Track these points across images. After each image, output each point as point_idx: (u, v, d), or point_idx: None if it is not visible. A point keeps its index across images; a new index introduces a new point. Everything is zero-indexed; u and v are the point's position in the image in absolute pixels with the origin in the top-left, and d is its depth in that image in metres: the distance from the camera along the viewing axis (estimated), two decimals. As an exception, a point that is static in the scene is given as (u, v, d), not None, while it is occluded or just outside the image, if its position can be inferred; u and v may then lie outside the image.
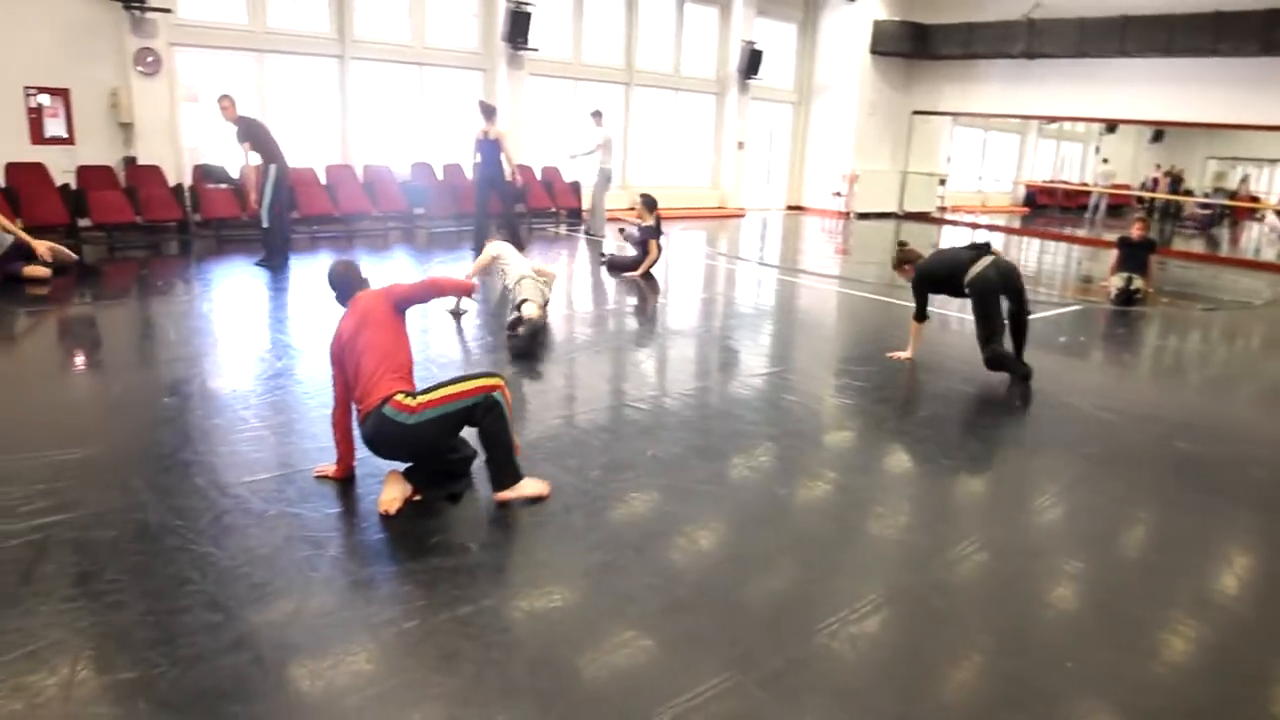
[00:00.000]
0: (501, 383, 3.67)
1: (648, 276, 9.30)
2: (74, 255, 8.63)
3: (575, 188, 14.46)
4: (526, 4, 13.34)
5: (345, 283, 3.89)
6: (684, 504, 3.84)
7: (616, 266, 9.67)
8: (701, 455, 4.35)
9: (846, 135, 18.86)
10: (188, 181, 11.13)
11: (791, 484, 4.23)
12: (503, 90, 13.79)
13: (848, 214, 18.71)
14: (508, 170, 10.85)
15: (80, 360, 6.15)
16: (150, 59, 10.71)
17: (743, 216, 17.52)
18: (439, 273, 4.00)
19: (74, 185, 10.26)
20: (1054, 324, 8.20)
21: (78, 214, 10.11)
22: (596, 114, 12.58)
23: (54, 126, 10.62)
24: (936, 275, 6.18)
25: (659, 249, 9.50)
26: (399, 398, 3.51)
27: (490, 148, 10.73)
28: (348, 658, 2.62)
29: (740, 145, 17.79)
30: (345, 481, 3.83)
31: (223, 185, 11.18)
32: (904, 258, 6.46)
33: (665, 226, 9.94)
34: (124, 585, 2.96)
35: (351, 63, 12.53)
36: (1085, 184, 26.30)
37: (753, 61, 17.00)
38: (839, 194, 18.92)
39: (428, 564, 3.22)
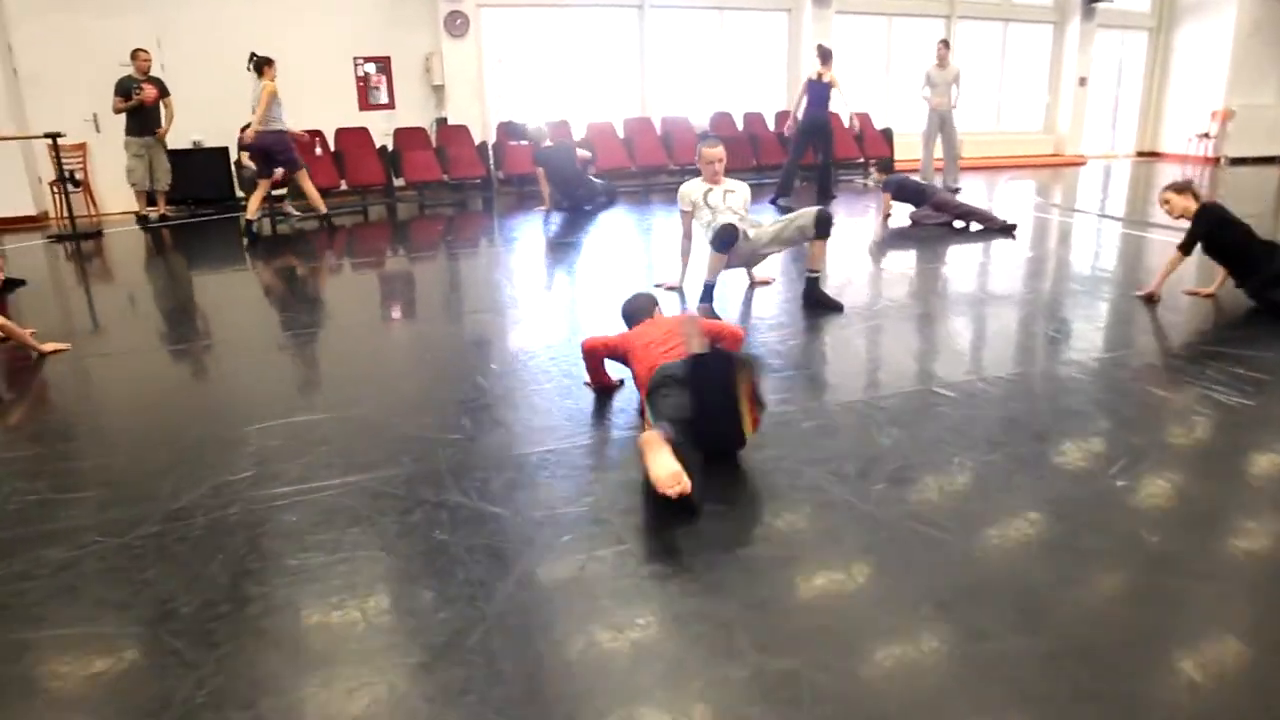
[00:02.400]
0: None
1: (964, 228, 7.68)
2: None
3: (887, 135, 12.99)
4: (837, -68, 12.09)
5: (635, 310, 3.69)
6: (1011, 555, 2.33)
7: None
8: (1027, 468, 2.84)
9: (1219, 64, 15.50)
10: (492, 139, 11.16)
11: (1180, 533, 2.42)
12: (808, 31, 12.64)
13: (1217, 159, 15.43)
14: (845, 117, 10.38)
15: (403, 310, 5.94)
16: (459, 21, 10.81)
17: (1082, 165, 14.96)
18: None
19: (390, 147, 10.59)
20: None
21: (394, 174, 10.42)
22: (943, 43, 10.84)
23: (378, 93, 11.07)
24: None
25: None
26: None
27: (821, 91, 9.75)
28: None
29: (1082, 82, 15.20)
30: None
31: (524, 142, 11.08)
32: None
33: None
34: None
35: (649, 11, 11.99)
36: None
37: (1101, -20, 14.41)
38: (1206, 135, 15.66)
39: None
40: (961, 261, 6.54)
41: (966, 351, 4.22)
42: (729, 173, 5.34)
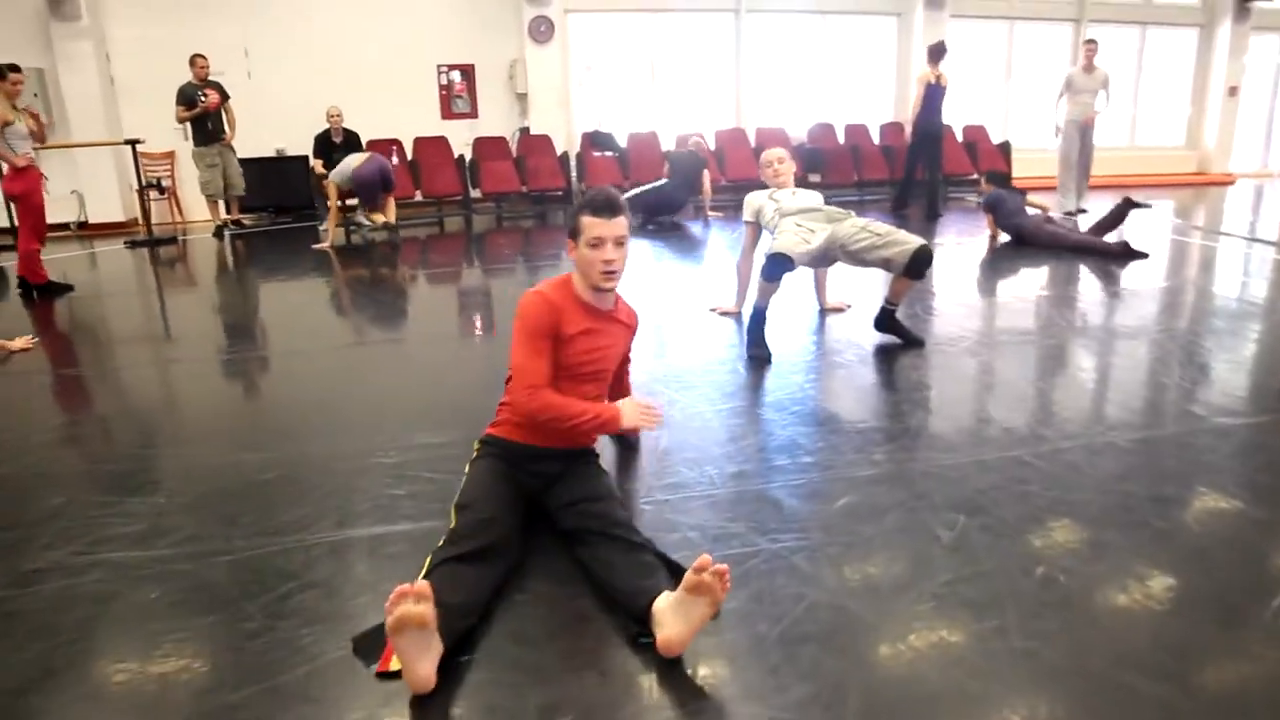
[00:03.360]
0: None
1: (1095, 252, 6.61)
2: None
3: (1004, 149, 11.94)
4: (952, -71, 11.18)
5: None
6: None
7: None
8: (1136, 596, 1.94)
9: (1398, 71, 13.78)
10: (575, 149, 10.72)
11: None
12: (919, 37, 11.74)
13: (1392, 178, 13.65)
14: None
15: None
16: (544, 27, 10.43)
17: (1230, 184, 13.46)
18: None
19: (469, 156, 10.28)
20: None
21: (471, 184, 10.10)
22: (1090, 43, 9.28)
23: (460, 102, 10.79)
24: None
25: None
26: None
27: (937, 96, 8.91)
28: None
29: (1232, 92, 13.70)
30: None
31: (609, 153, 10.60)
32: None
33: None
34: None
35: (746, 16, 11.35)
36: None
37: (1258, -21, 12.95)
38: (1383, 151, 13.90)
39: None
40: (1078, 290, 5.61)
41: (1072, 406, 3.39)
42: (827, 187, 4.62)
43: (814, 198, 4.41)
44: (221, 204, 9.36)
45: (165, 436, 3.30)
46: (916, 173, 9.30)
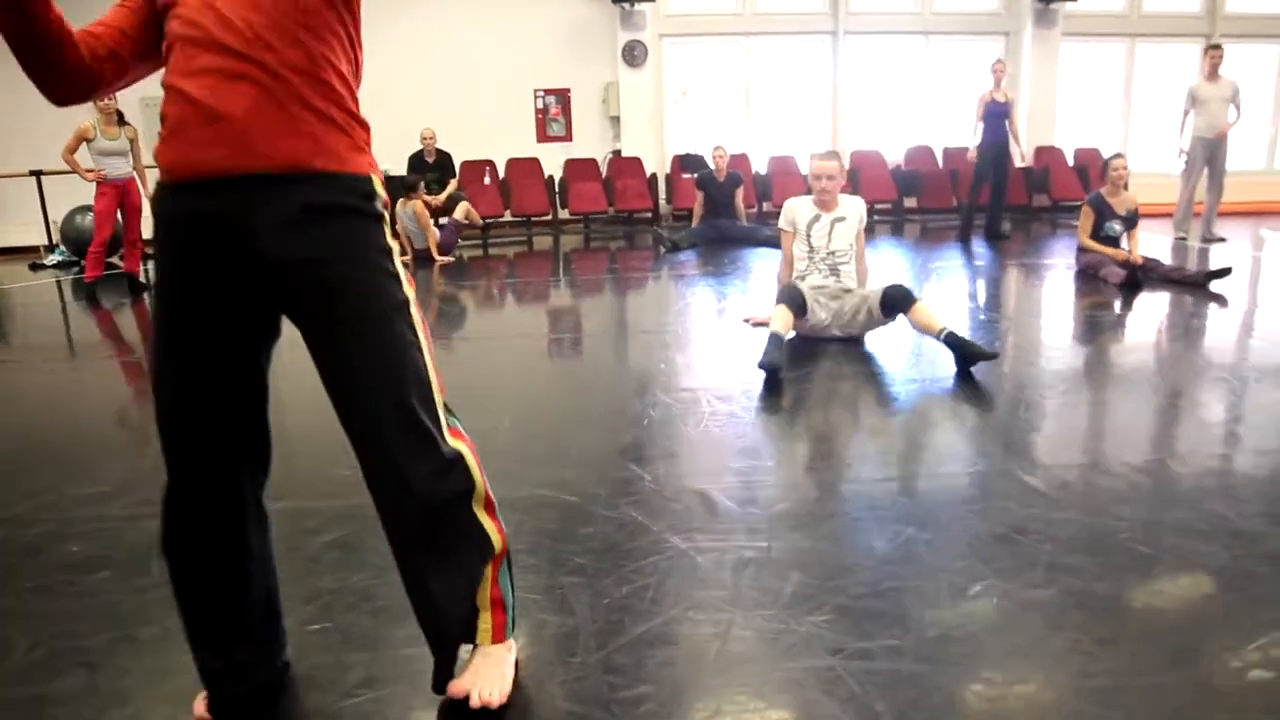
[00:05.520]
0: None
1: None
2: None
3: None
4: (1065, -54, 10.73)
5: None
6: None
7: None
8: None
9: None
10: (664, 172, 10.80)
11: None
12: (1028, 57, 11.31)
13: None
14: (1017, 150, 8.83)
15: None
16: (637, 51, 10.58)
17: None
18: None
19: (559, 177, 10.51)
20: None
21: (561, 204, 10.32)
22: (1215, 49, 8.35)
23: (555, 125, 11.07)
24: None
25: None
26: None
27: (1000, 112, 8.62)
28: None
29: (1388, 112, 12.57)
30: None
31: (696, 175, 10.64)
32: None
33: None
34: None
35: (845, 38, 11.19)
36: None
37: None
38: None
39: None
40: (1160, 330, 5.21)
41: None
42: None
43: (856, 212, 4.31)
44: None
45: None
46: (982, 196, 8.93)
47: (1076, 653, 1.62)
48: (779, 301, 3.84)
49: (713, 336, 4.79)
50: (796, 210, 4.41)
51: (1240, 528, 2.13)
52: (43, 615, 1.88)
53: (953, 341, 3.66)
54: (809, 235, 4.24)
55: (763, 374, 3.54)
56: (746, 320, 4.69)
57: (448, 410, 1.44)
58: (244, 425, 1.42)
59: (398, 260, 1.39)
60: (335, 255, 1.32)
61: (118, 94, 6.49)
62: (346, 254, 1.33)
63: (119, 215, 6.89)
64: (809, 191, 4.42)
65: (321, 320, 1.34)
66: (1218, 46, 8.41)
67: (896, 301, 3.88)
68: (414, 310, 1.40)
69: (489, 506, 1.48)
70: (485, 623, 1.51)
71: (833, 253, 4.18)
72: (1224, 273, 5.55)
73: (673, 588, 1.91)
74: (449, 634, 1.48)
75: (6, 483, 2.79)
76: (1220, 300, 5.24)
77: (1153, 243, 7.91)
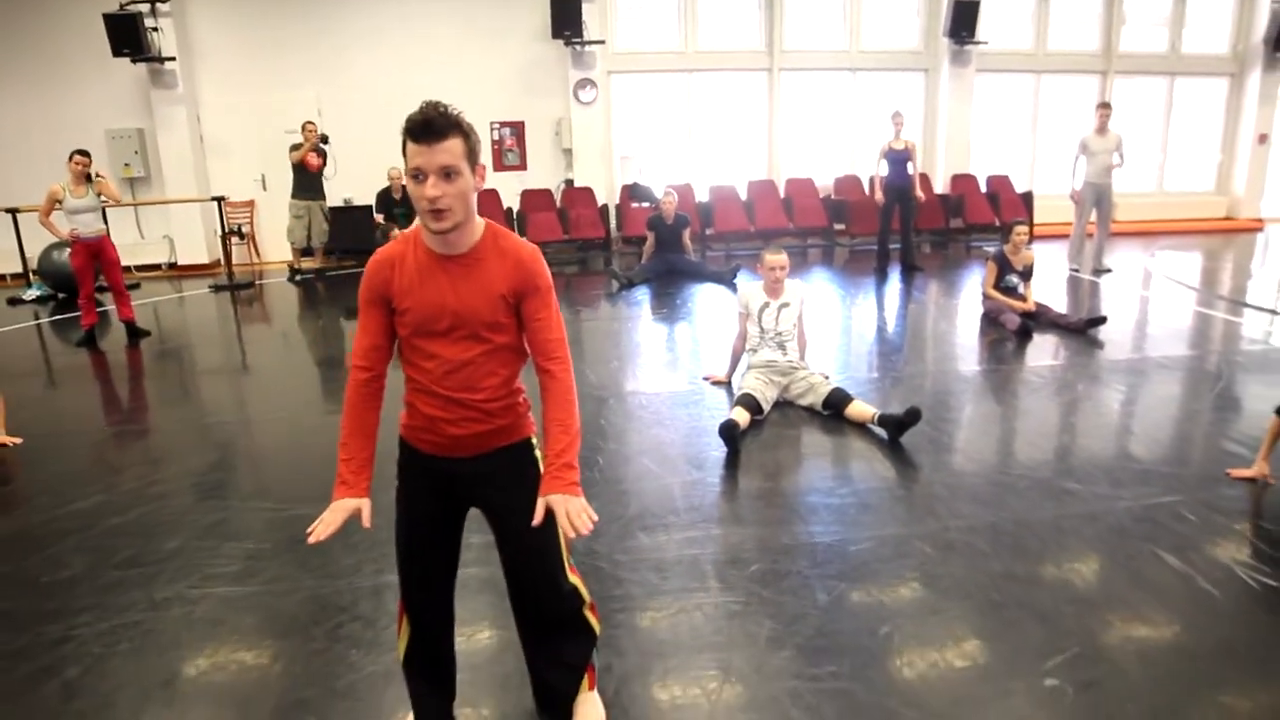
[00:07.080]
0: None
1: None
2: None
3: (1027, 199, 12.46)
4: (975, -8, 11.78)
5: None
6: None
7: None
8: None
9: None
10: (614, 202, 11.58)
11: None
12: (945, 91, 12.38)
13: None
14: (918, 190, 9.82)
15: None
16: (587, 87, 11.32)
17: (1259, 230, 13.77)
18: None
19: (517, 208, 11.21)
20: None
21: (520, 234, 11.00)
22: (1104, 107, 9.57)
23: (511, 155, 11.74)
24: None
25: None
26: None
27: (901, 158, 9.61)
28: None
29: (1262, 139, 14.01)
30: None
31: (646, 204, 11.42)
32: None
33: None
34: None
35: (780, 74, 12.11)
36: None
37: (1287, 30, 13.22)
38: None
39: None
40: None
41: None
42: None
43: (799, 298, 5.12)
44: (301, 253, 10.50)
45: (247, 491, 4.17)
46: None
47: (972, 668, 2.49)
48: (738, 404, 4.66)
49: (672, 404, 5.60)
50: (750, 296, 5.22)
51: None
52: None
53: (884, 422, 4.54)
54: (760, 318, 5.08)
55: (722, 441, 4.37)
56: (706, 379, 5.52)
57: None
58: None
59: None
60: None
61: (90, 154, 7.11)
62: None
63: (96, 270, 7.32)
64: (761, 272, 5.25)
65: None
66: (1107, 105, 9.54)
67: (837, 403, 4.75)
68: None
69: (592, 609, 2.30)
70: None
71: (780, 333, 5.03)
72: (1100, 321, 6.63)
73: (687, 632, 2.73)
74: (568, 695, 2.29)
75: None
76: (1098, 344, 6.29)
77: (1050, 274, 9.05)
